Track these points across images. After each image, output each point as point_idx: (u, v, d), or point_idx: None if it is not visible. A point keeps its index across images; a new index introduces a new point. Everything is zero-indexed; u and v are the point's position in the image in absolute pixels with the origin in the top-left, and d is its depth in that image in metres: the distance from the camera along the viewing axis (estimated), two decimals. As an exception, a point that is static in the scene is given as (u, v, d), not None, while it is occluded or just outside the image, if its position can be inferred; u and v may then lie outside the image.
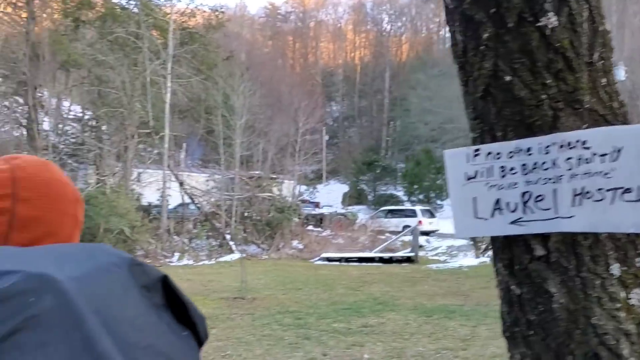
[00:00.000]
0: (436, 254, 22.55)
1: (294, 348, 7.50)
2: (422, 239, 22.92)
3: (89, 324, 0.70)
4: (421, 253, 21.60)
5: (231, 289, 13.23)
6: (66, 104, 33.32)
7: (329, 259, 20.87)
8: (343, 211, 30.87)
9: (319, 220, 28.54)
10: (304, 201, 31.90)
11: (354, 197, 39.02)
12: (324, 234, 26.47)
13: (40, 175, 0.98)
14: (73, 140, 32.59)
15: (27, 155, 1.02)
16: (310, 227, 27.64)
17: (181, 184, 26.59)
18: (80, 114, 33.90)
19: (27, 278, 0.70)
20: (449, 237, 25.11)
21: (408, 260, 20.35)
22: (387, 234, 25.58)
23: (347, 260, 20.52)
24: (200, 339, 0.92)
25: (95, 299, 0.73)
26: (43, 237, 0.94)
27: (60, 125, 30.11)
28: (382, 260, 20.39)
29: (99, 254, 0.83)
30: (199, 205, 26.79)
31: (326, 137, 48.34)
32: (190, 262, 23.32)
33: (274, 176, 30.50)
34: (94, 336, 0.69)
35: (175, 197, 27.15)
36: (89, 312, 0.71)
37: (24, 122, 32.79)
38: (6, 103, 31.33)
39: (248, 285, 12.69)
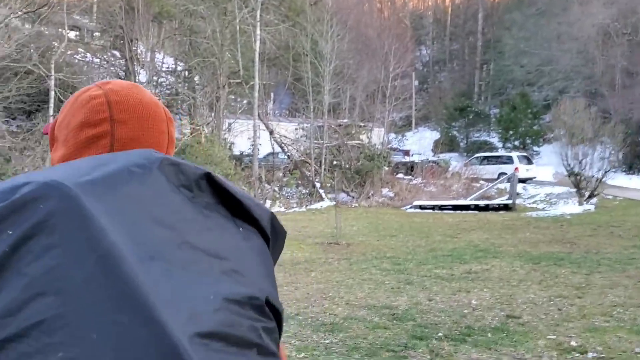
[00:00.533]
0: (534, 202, 21.50)
1: (397, 292, 7.31)
2: (519, 187, 21.88)
3: (97, 223, 0.69)
4: (518, 201, 20.66)
5: (325, 234, 13.23)
6: (159, 56, 34.27)
7: (421, 207, 20.44)
8: (434, 159, 30.05)
9: (410, 168, 27.96)
10: (393, 149, 31.30)
11: (446, 144, 37.80)
12: (414, 182, 25.94)
13: (133, 97, 1.00)
14: (167, 91, 33.70)
15: (117, 80, 1.05)
16: (400, 175, 27.19)
17: (271, 132, 26.84)
18: (173, 66, 34.91)
19: (36, 187, 0.72)
20: (547, 185, 23.89)
21: (505, 208, 19.54)
22: (482, 182, 24.67)
23: (441, 208, 19.99)
24: (265, 233, 0.89)
25: (108, 200, 0.73)
26: None
27: (155, 78, 31.08)
28: (477, 208, 19.70)
29: (123, 158, 0.81)
30: (288, 153, 27.01)
31: (416, 83, 46.92)
32: (282, 209, 23.75)
33: (363, 124, 30.06)
34: (99, 234, 0.68)
35: (265, 146, 27.51)
36: (100, 213, 0.70)
37: (122, 74, 34.23)
38: (105, 57, 32.71)
39: (341, 231, 12.62)
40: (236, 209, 0.86)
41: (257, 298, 0.79)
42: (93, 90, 1.01)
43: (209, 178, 0.84)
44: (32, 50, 24.77)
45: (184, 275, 0.73)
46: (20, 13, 21.38)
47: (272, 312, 0.82)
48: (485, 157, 28.70)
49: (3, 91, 22.21)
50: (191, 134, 25.25)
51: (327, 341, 5.27)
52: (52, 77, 23.54)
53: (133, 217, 0.74)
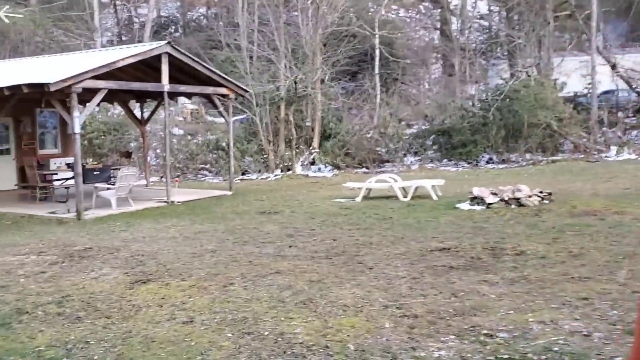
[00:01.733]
0: None
1: None
2: None
3: None
4: None
5: None
6: (470, 1, 32.43)
7: None
8: None
9: None
10: None
11: None
12: None
13: None
14: (482, 37, 31.77)
15: None
16: None
17: (613, 67, 22.85)
18: (487, 11, 32.73)
19: None
20: None
21: None
22: None
23: None
24: None
25: None
26: None
27: (469, 24, 29.47)
28: None
29: None
30: (638, 89, 22.67)
31: None
32: (632, 156, 20.08)
33: None
34: None
35: (604, 84, 23.65)
36: None
37: (437, 25, 33.55)
38: (417, 10, 32.34)
39: None
40: None
41: None
42: None
43: None
44: (351, 15, 25.62)
45: None
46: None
47: None
48: None
49: (332, 56, 23.59)
50: (511, 78, 23.02)
51: None
52: (377, 36, 24.04)
53: None
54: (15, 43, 24.91)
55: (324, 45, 23.32)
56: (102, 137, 22.74)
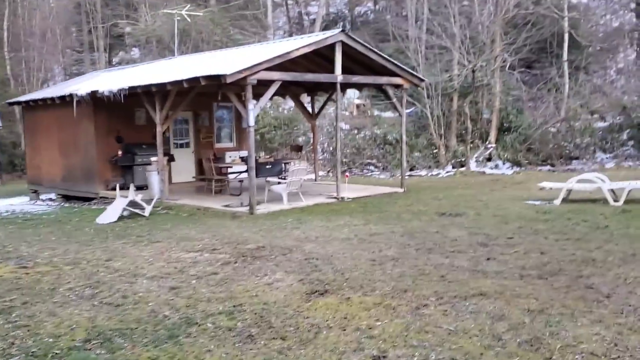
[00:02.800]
0: None
1: None
2: None
3: None
4: None
5: None
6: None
7: None
8: None
9: None
10: None
11: None
12: None
13: None
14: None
15: None
16: None
17: None
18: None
19: None
20: None
21: None
22: None
23: None
24: None
25: None
26: None
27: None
28: None
29: None
30: None
31: None
32: None
33: None
34: None
35: None
36: None
37: (632, 5, 29.30)
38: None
39: None
40: None
41: None
42: None
43: None
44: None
45: None
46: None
47: None
48: None
49: (511, 43, 21.34)
50: None
51: None
52: (566, 18, 21.37)
53: None
54: (196, 42, 26.30)
55: (505, 33, 21.25)
56: (273, 131, 23.04)
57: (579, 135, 20.82)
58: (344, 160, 22.24)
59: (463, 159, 20.81)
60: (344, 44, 11.55)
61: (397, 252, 6.91)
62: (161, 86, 11.29)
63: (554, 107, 21.93)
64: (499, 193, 12.54)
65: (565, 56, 22.07)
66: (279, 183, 11.78)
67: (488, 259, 6.41)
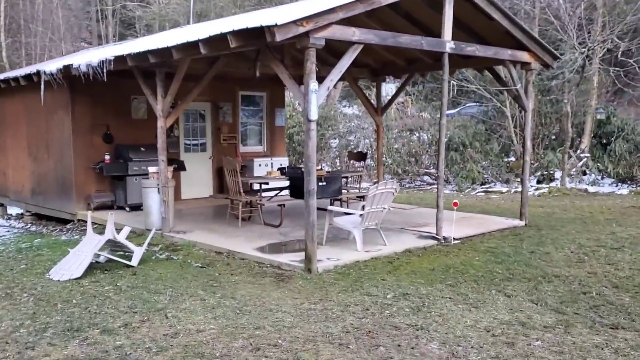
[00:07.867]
0: None
1: None
2: None
3: None
4: None
5: None
6: None
7: None
8: None
9: None
10: None
11: None
12: None
13: None
14: None
15: None
16: None
17: None
18: None
19: None
20: None
21: None
22: None
23: None
24: None
25: None
26: None
27: None
28: None
29: None
30: None
31: None
32: None
33: None
34: None
35: None
36: None
37: None
38: None
39: None
40: None
41: None
42: None
43: None
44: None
45: None
46: None
47: None
48: None
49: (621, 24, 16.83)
50: None
51: None
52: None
53: None
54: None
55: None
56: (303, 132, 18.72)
57: None
58: (397, 169, 17.85)
59: (552, 172, 16.33)
60: (454, -6, 7.22)
61: None
62: (163, 54, 6.98)
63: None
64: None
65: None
66: (346, 213, 7.44)
67: None
